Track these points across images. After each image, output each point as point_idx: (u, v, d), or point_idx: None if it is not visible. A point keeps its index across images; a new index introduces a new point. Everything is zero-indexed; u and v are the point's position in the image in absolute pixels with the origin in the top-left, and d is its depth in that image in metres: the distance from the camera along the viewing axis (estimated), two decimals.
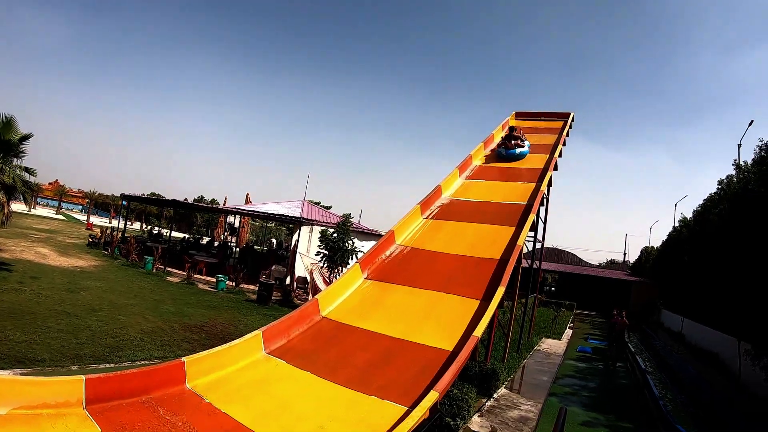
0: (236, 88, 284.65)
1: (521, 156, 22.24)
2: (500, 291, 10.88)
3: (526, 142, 22.92)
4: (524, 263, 15.87)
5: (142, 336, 15.36)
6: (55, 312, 16.57)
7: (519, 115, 27.65)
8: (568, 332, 31.46)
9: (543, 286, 48.30)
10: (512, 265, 12.13)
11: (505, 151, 22.76)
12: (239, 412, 7.06)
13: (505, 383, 15.16)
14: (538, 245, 21.24)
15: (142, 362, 12.77)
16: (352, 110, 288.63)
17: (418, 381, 8.18)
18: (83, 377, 6.66)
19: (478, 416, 11.98)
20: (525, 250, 15.18)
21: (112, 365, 12.42)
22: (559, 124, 25.78)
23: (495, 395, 13.74)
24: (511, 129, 23.55)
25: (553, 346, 24.48)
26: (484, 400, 13.18)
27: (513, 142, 22.92)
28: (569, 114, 26.74)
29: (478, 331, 9.32)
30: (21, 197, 22.12)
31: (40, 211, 68.75)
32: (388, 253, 13.68)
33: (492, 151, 23.46)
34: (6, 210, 20.68)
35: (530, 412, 12.94)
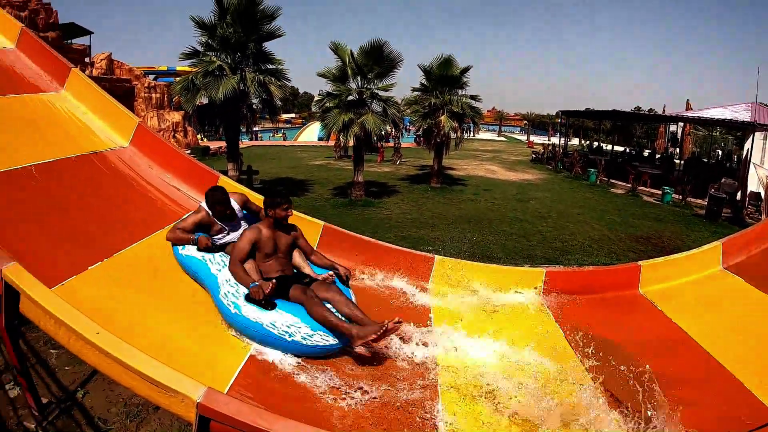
0: None
1: None
2: None
3: None
4: None
5: (590, 243, 15.72)
6: (508, 218, 18.15)
7: None
8: None
9: None
10: None
11: None
12: (688, 323, 6.66)
13: None
14: None
15: (589, 266, 13.14)
16: None
17: None
18: (544, 269, 7.16)
19: None
20: None
21: (561, 267, 13.12)
22: None
23: None
24: None
25: None
26: None
27: None
28: None
29: None
30: (471, 123, 24.68)
31: (482, 135, 75.22)
32: None
33: None
34: (458, 134, 23.25)
35: None
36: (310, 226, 6.40)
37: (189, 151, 33.44)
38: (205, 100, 18.15)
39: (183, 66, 23.04)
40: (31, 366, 7.52)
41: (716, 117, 30.67)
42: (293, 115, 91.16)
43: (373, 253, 6.60)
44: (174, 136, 38.51)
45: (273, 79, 18.45)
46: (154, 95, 40.20)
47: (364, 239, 6.69)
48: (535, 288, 6.96)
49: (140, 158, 6.55)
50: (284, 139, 59.34)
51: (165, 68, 55.06)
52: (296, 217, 6.37)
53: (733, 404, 5.12)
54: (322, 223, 6.53)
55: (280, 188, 22.35)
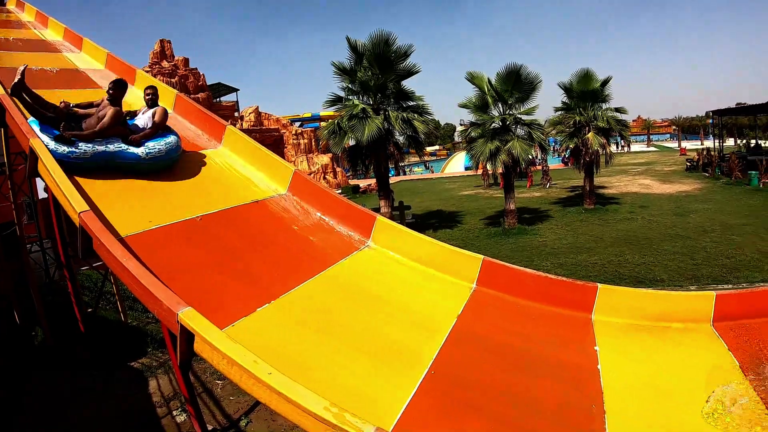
0: None
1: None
2: None
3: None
4: None
5: (759, 256, 14.58)
6: (668, 235, 17.26)
7: None
8: None
9: None
10: None
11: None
12: None
13: None
14: None
15: (761, 283, 12.16)
16: None
17: None
18: (714, 294, 6.56)
19: None
20: None
21: (729, 286, 12.18)
22: None
23: None
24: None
25: None
26: None
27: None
28: None
29: None
30: (618, 138, 23.90)
31: (631, 147, 72.05)
32: None
33: None
34: (607, 150, 22.52)
35: None
36: (468, 261, 6.35)
37: (340, 191, 34.93)
38: (352, 142, 18.88)
39: (327, 111, 24.26)
40: (198, 395, 8.06)
41: None
42: (437, 147, 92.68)
43: (534, 287, 6.42)
44: (324, 178, 40.42)
45: (416, 115, 18.84)
46: (302, 141, 42.69)
47: (522, 271, 6.51)
48: (705, 314, 6.42)
49: (299, 203, 6.87)
50: (432, 172, 60.54)
51: (309, 114, 58.40)
52: (453, 252, 6.34)
53: None
54: (481, 257, 6.45)
55: (433, 221, 22.61)
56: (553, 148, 30.64)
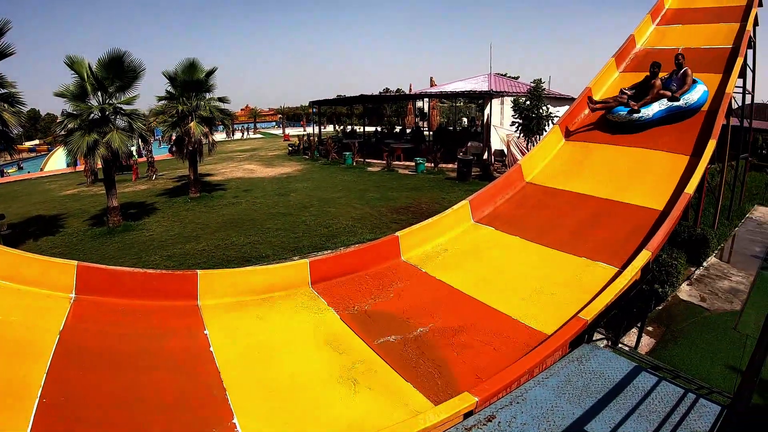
0: None
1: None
2: (711, 144, 9.80)
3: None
4: (733, 121, 14.28)
5: (353, 223, 16.59)
6: (271, 215, 18.43)
7: None
8: None
9: (755, 147, 43.07)
10: (722, 115, 10.79)
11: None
12: (455, 278, 7.27)
13: (715, 252, 14.19)
14: (748, 98, 18.08)
15: (355, 245, 13.68)
16: None
17: (629, 242, 7.79)
18: (308, 261, 7.31)
19: (687, 285, 11.51)
20: (733, 105, 13.57)
21: (329, 251, 13.39)
22: None
23: (704, 264, 12.94)
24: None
25: (766, 214, 22.14)
26: (692, 269, 12.49)
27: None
28: None
29: (690, 188, 8.56)
30: (222, 126, 24.72)
31: (238, 135, 74.87)
32: (587, 111, 12.83)
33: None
34: (210, 139, 22.82)
35: (741, 284, 11.90)
36: (61, 270, 5.90)
37: None
38: None
39: None
40: None
41: (458, 90, 34.36)
42: (37, 141, 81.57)
43: (136, 284, 6.26)
44: None
45: (6, 105, 15.63)
46: None
47: (120, 270, 6.29)
48: (303, 279, 7.11)
49: None
50: (22, 171, 51.93)
51: None
52: (43, 261, 5.94)
53: (507, 336, 5.71)
54: (74, 263, 6.01)
55: (33, 229, 20.03)
56: (161, 138, 29.88)
